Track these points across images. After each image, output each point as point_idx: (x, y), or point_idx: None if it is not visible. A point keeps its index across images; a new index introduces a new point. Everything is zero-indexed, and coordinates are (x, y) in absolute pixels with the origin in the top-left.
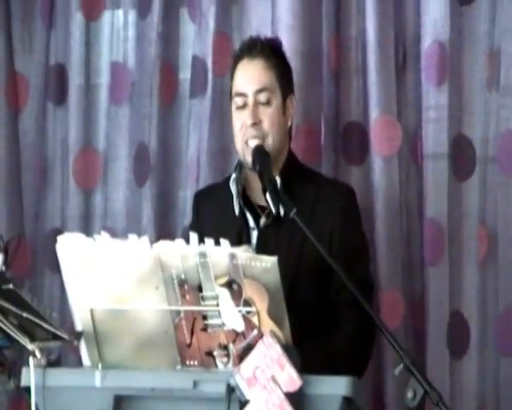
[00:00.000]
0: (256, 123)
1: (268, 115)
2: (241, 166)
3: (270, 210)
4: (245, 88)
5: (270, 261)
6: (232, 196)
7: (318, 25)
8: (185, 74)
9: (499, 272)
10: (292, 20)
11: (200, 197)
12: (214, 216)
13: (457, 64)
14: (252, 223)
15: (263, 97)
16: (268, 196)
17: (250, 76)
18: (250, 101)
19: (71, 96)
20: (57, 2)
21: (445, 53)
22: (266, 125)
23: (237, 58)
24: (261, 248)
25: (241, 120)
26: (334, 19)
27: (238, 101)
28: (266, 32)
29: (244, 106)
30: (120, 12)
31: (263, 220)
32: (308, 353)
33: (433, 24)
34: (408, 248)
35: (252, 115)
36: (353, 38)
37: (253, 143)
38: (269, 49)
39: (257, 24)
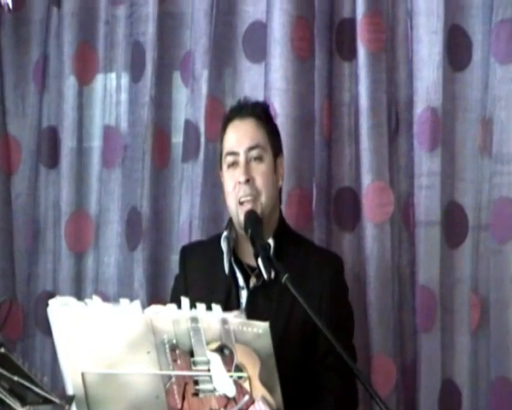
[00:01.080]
0: (249, 180)
1: (261, 172)
2: (231, 224)
3: (260, 271)
4: (236, 146)
5: (261, 327)
6: (222, 253)
7: (311, 90)
8: (178, 138)
9: (491, 340)
10: (285, 85)
11: (187, 252)
12: (202, 273)
13: (450, 130)
14: (241, 282)
15: (255, 154)
16: (260, 261)
17: (241, 134)
18: (242, 159)
19: (63, 159)
20: (50, 65)
21: (437, 119)
22: (259, 182)
23: (227, 119)
24: (250, 309)
25: (233, 179)
26: (326, 84)
27: (229, 159)
28: (259, 97)
29: (235, 164)
30: (113, 75)
31: (253, 281)
32: None
33: (426, 90)
34: (400, 315)
35: (244, 172)
36: (346, 103)
37: (247, 204)
38: (259, 110)
39: (249, 88)
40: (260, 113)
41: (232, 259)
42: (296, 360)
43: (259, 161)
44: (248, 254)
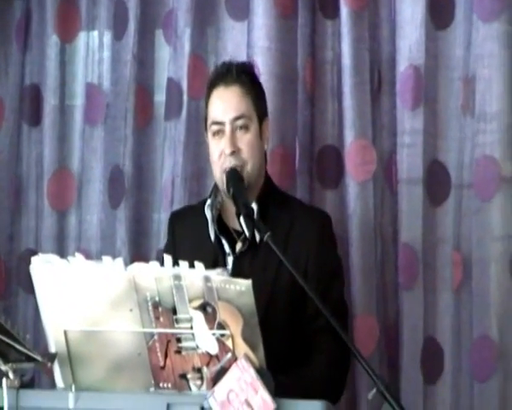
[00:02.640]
0: (235, 151)
1: (246, 142)
2: (216, 191)
3: (245, 233)
4: (222, 116)
5: (244, 285)
6: (207, 221)
7: (294, 48)
8: (160, 97)
9: (474, 298)
10: (267, 43)
11: (176, 218)
12: (190, 240)
13: (432, 89)
14: (227, 249)
15: (240, 123)
16: (242, 220)
17: (227, 104)
18: (227, 129)
19: (46, 117)
20: (32, 24)
21: (420, 77)
22: (245, 152)
23: (212, 85)
24: (236, 275)
25: (218, 149)
26: (309, 42)
27: (215, 128)
28: (242, 55)
29: (221, 133)
30: (95, 33)
31: (238, 246)
32: (284, 381)
33: (409, 48)
34: (382, 273)
35: (230, 144)
36: (329, 61)
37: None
38: (244, 75)
39: (232, 47)
40: (245, 79)
41: (216, 226)
42: (285, 321)
43: (245, 130)
44: (234, 219)
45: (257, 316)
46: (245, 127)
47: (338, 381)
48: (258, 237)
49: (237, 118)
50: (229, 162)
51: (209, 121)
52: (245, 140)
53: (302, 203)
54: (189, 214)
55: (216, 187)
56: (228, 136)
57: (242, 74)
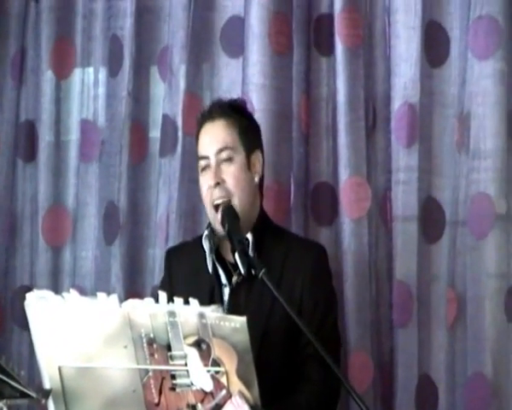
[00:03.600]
0: (219, 183)
1: (230, 173)
2: None
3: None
4: (207, 150)
5: (239, 321)
6: (204, 253)
7: (289, 85)
8: (155, 133)
9: (468, 336)
10: (262, 80)
11: (172, 254)
12: (186, 273)
13: (427, 126)
14: (224, 279)
15: (224, 155)
16: (237, 256)
17: (211, 138)
18: (212, 162)
19: (40, 152)
20: (28, 59)
21: (414, 115)
22: (230, 183)
23: (199, 124)
24: (232, 306)
25: (206, 183)
26: (304, 79)
27: (202, 163)
28: (237, 92)
29: (207, 168)
30: (91, 70)
31: (234, 278)
32: None
33: (404, 86)
34: (377, 310)
35: (214, 176)
36: (323, 98)
37: (220, 204)
38: (229, 109)
39: (227, 83)
40: (230, 112)
41: (214, 257)
42: (279, 353)
43: (229, 162)
44: (230, 252)
45: (251, 353)
46: (229, 159)
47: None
48: (253, 271)
49: (221, 150)
50: (215, 195)
51: (198, 157)
52: (229, 172)
53: (297, 236)
54: (185, 249)
55: None
56: (213, 168)
57: (227, 108)
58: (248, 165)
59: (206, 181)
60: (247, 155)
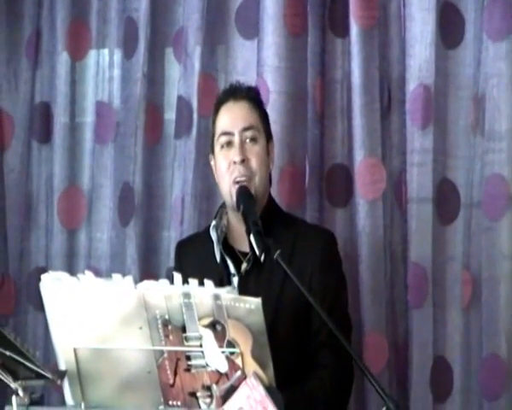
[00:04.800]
0: (244, 160)
1: (255, 153)
2: (221, 212)
3: (251, 255)
4: (231, 127)
5: (254, 303)
6: (213, 243)
7: (304, 67)
8: (170, 115)
9: (483, 317)
10: (277, 61)
11: (182, 247)
12: (196, 265)
13: (442, 108)
14: (232, 269)
15: (250, 134)
16: (252, 237)
17: (236, 115)
18: (236, 139)
19: (56, 134)
20: (43, 41)
21: (429, 96)
22: (254, 163)
23: (220, 102)
24: (242, 294)
25: (227, 160)
26: (319, 61)
27: (223, 139)
28: (252, 74)
29: (230, 144)
30: (106, 51)
31: (244, 266)
32: (288, 397)
33: (419, 67)
34: (392, 292)
35: (240, 152)
36: (338, 80)
37: (241, 182)
38: (252, 93)
39: (242, 65)
40: (254, 96)
41: (222, 247)
42: (289, 338)
43: (254, 142)
44: (240, 240)
45: (266, 334)
46: (254, 139)
47: (342, 395)
48: (262, 256)
49: (246, 128)
50: (239, 172)
51: (217, 134)
52: (254, 151)
53: (305, 222)
54: (194, 241)
55: (221, 209)
56: (238, 145)
57: (250, 92)
58: (267, 151)
59: (227, 157)
60: (266, 141)
